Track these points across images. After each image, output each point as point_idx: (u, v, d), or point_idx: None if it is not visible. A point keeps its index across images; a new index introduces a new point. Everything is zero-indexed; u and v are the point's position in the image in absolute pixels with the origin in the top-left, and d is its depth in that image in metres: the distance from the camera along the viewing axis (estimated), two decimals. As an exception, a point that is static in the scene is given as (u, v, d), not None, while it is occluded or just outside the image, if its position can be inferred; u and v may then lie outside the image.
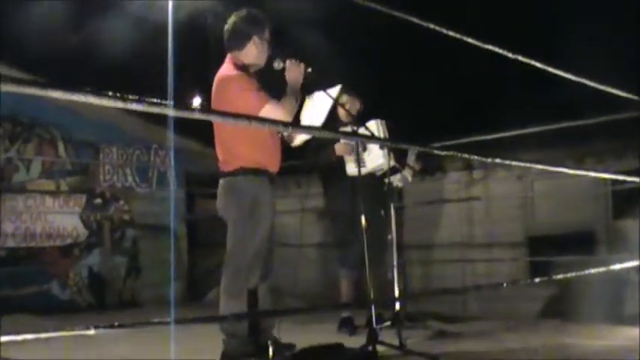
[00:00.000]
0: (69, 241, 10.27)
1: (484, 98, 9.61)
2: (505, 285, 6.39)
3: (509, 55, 3.10)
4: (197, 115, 2.14)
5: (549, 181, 8.76)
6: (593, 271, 4.04)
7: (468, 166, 9.53)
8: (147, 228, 11.05)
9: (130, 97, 1.79)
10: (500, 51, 3.06)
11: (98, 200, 10.67)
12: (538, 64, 3.41)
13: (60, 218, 10.20)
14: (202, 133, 9.93)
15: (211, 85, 4.76)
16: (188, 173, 11.42)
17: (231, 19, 4.79)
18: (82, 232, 10.43)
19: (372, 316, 5.00)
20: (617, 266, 4.22)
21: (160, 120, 10.54)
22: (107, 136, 10.83)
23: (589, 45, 7.72)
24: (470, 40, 2.94)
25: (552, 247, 8.23)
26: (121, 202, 10.93)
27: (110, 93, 1.76)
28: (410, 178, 6.67)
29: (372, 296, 5.02)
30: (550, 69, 3.48)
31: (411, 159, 6.59)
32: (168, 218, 11.25)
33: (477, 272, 9.16)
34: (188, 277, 11.41)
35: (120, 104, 1.78)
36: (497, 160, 3.30)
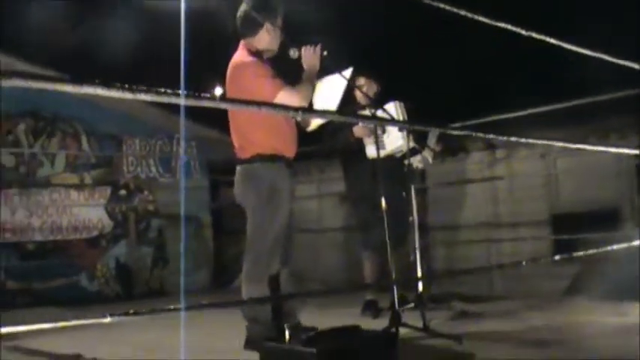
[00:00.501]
0: (95, 233, 10.37)
1: (502, 77, 9.52)
2: (525, 263, 6.35)
3: (523, 32, 3.08)
4: (211, 104, 2.15)
5: (572, 159, 8.69)
6: (615, 247, 4.00)
7: (491, 146, 9.48)
8: (172, 217, 11.12)
9: (139, 87, 1.81)
10: (514, 28, 3.04)
11: (122, 192, 10.75)
12: (553, 41, 3.39)
13: (85, 211, 10.30)
14: (223, 121, 10.03)
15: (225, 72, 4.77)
16: (210, 161, 11.46)
17: (243, 6, 4.79)
18: (108, 223, 10.53)
19: (394, 298, 5.01)
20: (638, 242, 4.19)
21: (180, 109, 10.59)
22: (129, 128, 10.90)
23: (606, 19, 7.65)
24: (483, 19, 2.92)
25: (577, 225, 8.17)
26: (146, 193, 11.00)
27: (119, 84, 1.78)
28: (430, 160, 6.64)
29: (394, 278, 5.03)
30: (566, 45, 3.45)
31: (431, 141, 6.57)
32: (192, 207, 11.33)
33: (501, 252, 9.13)
34: (214, 264, 11.48)
35: (128, 95, 1.79)
36: (516, 139, 3.29)
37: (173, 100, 1.93)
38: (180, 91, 1.94)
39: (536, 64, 8.93)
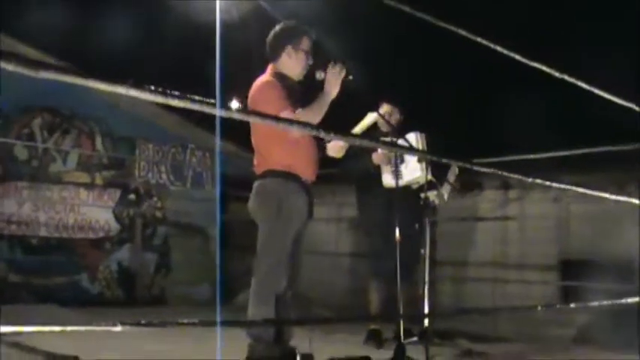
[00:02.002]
0: (101, 234, 10.32)
1: (524, 117, 9.48)
2: (540, 308, 6.25)
3: (556, 74, 3.03)
4: (236, 115, 2.11)
5: (586, 205, 8.59)
6: (630, 300, 3.93)
7: (504, 185, 9.41)
8: (178, 226, 11.07)
9: (172, 92, 1.77)
10: (546, 69, 2.99)
11: (132, 196, 10.72)
12: (583, 84, 3.34)
13: (93, 211, 10.26)
14: (237, 134, 10.01)
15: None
16: (222, 175, 11.43)
17: (272, 31, 4.89)
18: (114, 226, 10.48)
19: (400, 330, 4.94)
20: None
21: (198, 120, 10.59)
22: (145, 132, 10.87)
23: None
24: (519, 57, 2.87)
25: (585, 272, 8.09)
26: (155, 199, 10.96)
27: (152, 87, 1.73)
28: (446, 197, 6.57)
29: (401, 310, 4.96)
30: (595, 90, 3.40)
31: (451, 176, 6.50)
32: (200, 218, 11.26)
33: (508, 293, 9.03)
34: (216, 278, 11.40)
35: (160, 99, 1.75)
36: (540, 181, 3.23)
37: (207, 109, 1.89)
38: (215, 101, 1.90)
39: (558, 107, 8.90)
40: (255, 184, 4.77)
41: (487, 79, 9.31)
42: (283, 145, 4.68)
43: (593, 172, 8.16)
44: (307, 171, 4.75)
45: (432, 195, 6.38)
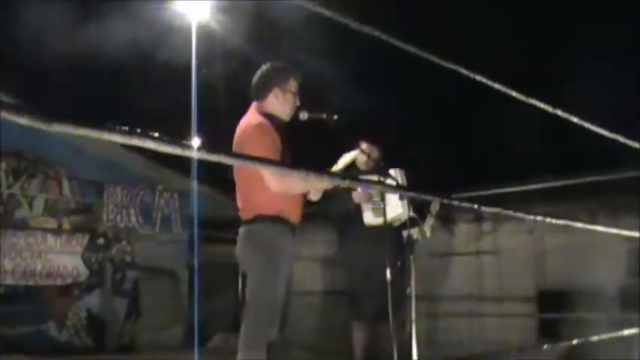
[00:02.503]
0: (69, 280, 10.09)
1: (494, 149, 9.50)
2: (516, 350, 6.18)
3: (550, 109, 2.97)
4: (223, 159, 1.98)
5: (561, 235, 8.58)
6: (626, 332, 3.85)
7: (477, 218, 9.39)
8: (148, 270, 10.88)
9: (154, 134, 1.66)
10: (543, 105, 2.93)
11: (100, 240, 10.52)
12: (559, 112, 3.28)
13: (61, 257, 10.04)
14: (209, 176, 9.96)
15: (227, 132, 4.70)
16: (191, 216, 11.27)
17: (258, 70, 4.79)
18: (83, 271, 10.26)
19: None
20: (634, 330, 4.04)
21: (166, 161, 10.48)
22: (112, 175, 10.70)
23: (605, 95, 7.64)
24: (516, 93, 2.80)
25: (564, 303, 8.05)
26: (124, 243, 10.77)
27: (137, 130, 1.63)
28: (429, 234, 6.51)
29: (394, 353, 4.84)
30: (565, 115, 3.34)
31: (432, 212, 6.45)
32: (170, 261, 11.08)
33: (485, 326, 8.96)
34: (189, 321, 11.19)
35: (137, 142, 1.64)
36: (522, 215, 3.15)
37: (184, 152, 1.77)
38: (192, 143, 1.78)
39: (528, 137, 8.93)
40: (244, 229, 4.59)
41: (458, 111, 9.35)
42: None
43: (565, 201, 8.17)
44: (295, 214, 4.64)
45: (414, 232, 6.32)
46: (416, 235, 6.41)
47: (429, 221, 6.41)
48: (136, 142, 1.67)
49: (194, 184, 10.17)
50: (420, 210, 6.33)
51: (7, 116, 1.45)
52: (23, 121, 1.47)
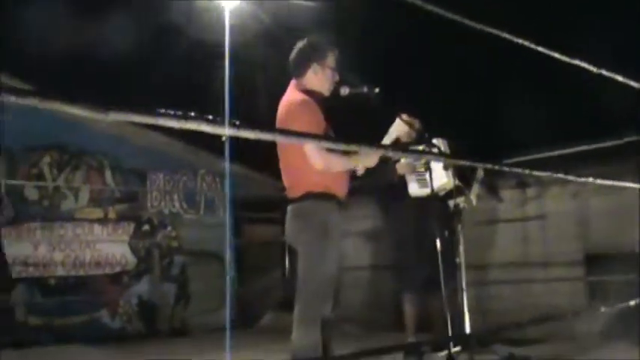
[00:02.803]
0: (118, 269, 10.23)
1: (533, 114, 9.41)
2: (569, 316, 6.15)
3: (564, 57, 2.92)
4: (269, 137, 2.00)
5: (605, 197, 8.50)
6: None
7: (521, 185, 9.31)
8: (195, 254, 10.98)
9: (190, 114, 1.68)
10: (552, 53, 2.88)
11: (146, 227, 10.63)
12: (603, 72, 3.24)
13: (108, 246, 10.17)
14: (247, 157, 10.00)
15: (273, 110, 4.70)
16: (234, 198, 11.34)
17: (295, 47, 4.79)
18: (131, 259, 10.39)
19: (446, 342, 4.84)
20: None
21: (206, 144, 10.53)
22: (154, 162, 10.79)
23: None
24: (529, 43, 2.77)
25: (611, 266, 7.98)
26: (169, 229, 10.88)
27: (171, 112, 1.64)
28: (475, 202, 6.48)
29: (448, 322, 4.84)
30: (609, 75, 3.29)
31: (479, 177, 6.41)
32: (216, 244, 11.16)
33: (534, 292, 8.91)
34: (237, 302, 11.30)
35: (176, 124, 1.65)
36: (572, 177, 3.13)
37: (231, 132, 1.79)
38: (228, 121, 1.80)
39: (567, 101, 8.84)
40: (293, 207, 4.59)
41: (492, 80, 9.27)
42: None
43: (608, 163, 8.08)
44: (342, 190, 4.64)
45: (461, 201, 6.29)
46: (462, 203, 6.38)
47: (475, 189, 6.38)
48: (189, 126, 1.70)
49: (227, 166, 10.19)
50: (464, 178, 6.29)
51: (63, 107, 1.48)
52: (77, 111, 1.49)
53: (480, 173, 6.35)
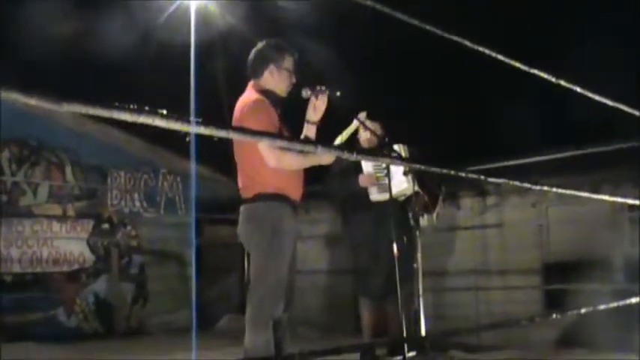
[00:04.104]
0: (76, 266, 10.13)
1: (496, 123, 9.51)
2: (524, 322, 6.19)
3: (553, 79, 2.96)
4: (223, 134, 2.00)
5: (564, 208, 8.61)
6: (621, 303, 3.86)
7: (481, 193, 9.40)
8: (154, 254, 10.92)
9: (145, 109, 1.67)
10: (546, 75, 2.92)
11: (105, 225, 10.55)
12: (562, 82, 3.27)
13: (67, 243, 10.07)
14: (209, 158, 9.97)
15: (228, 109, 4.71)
16: (196, 198, 11.30)
17: (254, 49, 4.81)
18: (89, 257, 10.30)
19: (401, 346, 4.86)
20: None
21: (169, 143, 10.49)
22: (115, 160, 10.71)
23: (608, 64, 7.64)
24: (518, 65, 2.79)
25: (568, 274, 8.08)
26: (129, 228, 10.81)
27: (125, 105, 1.64)
28: (435, 220, 6.53)
29: (404, 327, 4.87)
30: (566, 84, 3.33)
31: (441, 195, 6.49)
32: (176, 244, 11.12)
33: (491, 299, 8.99)
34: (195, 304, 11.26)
35: (129, 117, 1.65)
36: (528, 185, 3.16)
37: (185, 127, 1.79)
38: (191, 118, 1.80)
39: (529, 111, 8.94)
40: (245, 208, 4.59)
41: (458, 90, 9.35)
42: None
43: (567, 174, 8.18)
44: (297, 192, 4.65)
45: (423, 221, 6.32)
46: (425, 222, 6.40)
47: (438, 208, 6.44)
48: (143, 119, 1.69)
49: (193, 167, 10.17)
50: (433, 196, 6.34)
51: (18, 98, 1.47)
52: (32, 101, 1.48)
53: (442, 189, 6.42)
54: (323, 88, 4.57)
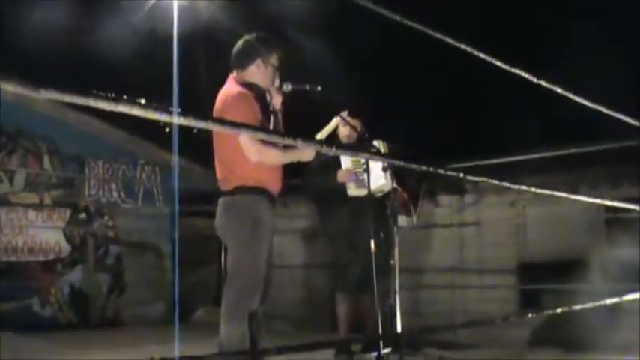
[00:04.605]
0: (51, 256, 10.06)
1: (476, 122, 9.55)
2: (498, 321, 6.23)
3: (534, 79, 2.96)
4: (202, 125, 1.99)
5: (542, 208, 8.65)
6: (598, 304, 3.89)
7: (459, 191, 9.42)
8: (131, 245, 10.87)
9: (123, 97, 1.66)
10: (526, 75, 2.92)
11: (82, 215, 10.48)
12: (542, 82, 3.28)
13: (43, 232, 10.00)
14: (188, 149, 9.94)
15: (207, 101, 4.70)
16: (173, 190, 11.25)
17: (240, 40, 4.76)
18: (65, 247, 10.23)
19: (376, 342, 4.86)
20: (615, 299, 4.08)
21: (147, 134, 10.45)
22: (93, 150, 10.64)
23: (589, 65, 7.68)
24: (498, 62, 2.80)
25: (544, 274, 8.13)
26: (106, 218, 10.75)
27: (103, 94, 1.63)
28: (415, 221, 6.56)
29: (379, 323, 4.88)
30: (548, 85, 3.34)
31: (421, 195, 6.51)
32: (153, 235, 11.08)
33: (467, 297, 9.03)
34: (172, 295, 11.22)
35: (107, 106, 1.64)
36: (507, 184, 3.17)
37: (165, 117, 1.77)
38: (172, 109, 1.79)
39: (510, 109, 8.98)
40: (224, 200, 4.57)
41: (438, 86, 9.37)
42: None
43: (545, 174, 8.23)
44: (276, 185, 4.64)
45: (402, 220, 6.32)
46: (404, 222, 6.42)
47: (418, 209, 6.47)
48: (121, 108, 1.68)
49: (176, 158, 10.11)
50: (414, 197, 6.36)
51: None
52: (10, 87, 1.47)
53: (424, 187, 6.44)
54: (307, 86, 4.59)
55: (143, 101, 1.71)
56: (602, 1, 8.41)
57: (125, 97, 1.68)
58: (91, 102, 1.63)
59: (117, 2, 8.70)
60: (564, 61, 7.73)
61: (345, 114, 5.12)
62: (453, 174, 3.03)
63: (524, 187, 3.48)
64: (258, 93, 4.62)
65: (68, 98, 1.61)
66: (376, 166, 5.82)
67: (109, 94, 1.65)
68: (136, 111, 1.70)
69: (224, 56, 4.88)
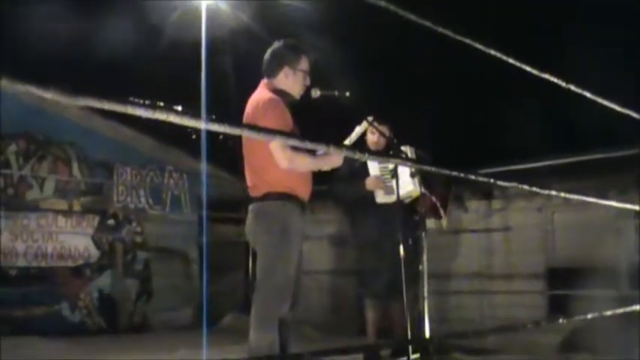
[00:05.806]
0: (80, 261, 10.13)
1: (503, 127, 9.50)
2: (530, 326, 6.17)
3: (563, 84, 2.94)
4: (233, 130, 2.00)
5: (570, 213, 8.60)
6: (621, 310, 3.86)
7: (487, 196, 9.39)
8: (159, 251, 10.92)
9: (159, 105, 1.68)
10: (555, 79, 2.91)
11: (111, 221, 10.54)
12: (572, 87, 3.26)
13: (72, 238, 10.07)
14: (216, 156, 9.98)
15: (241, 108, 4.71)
16: (200, 196, 11.30)
17: (270, 48, 4.79)
18: (94, 253, 10.29)
19: (405, 348, 4.85)
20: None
21: (175, 141, 10.51)
22: (122, 156, 10.71)
23: (617, 69, 7.63)
24: (528, 67, 2.78)
25: (573, 280, 8.06)
26: (134, 224, 10.80)
27: (140, 101, 1.64)
28: (445, 226, 6.56)
29: (409, 329, 4.86)
30: (578, 90, 3.32)
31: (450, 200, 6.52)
32: (180, 241, 11.12)
33: (495, 303, 8.99)
34: (199, 301, 11.25)
35: (144, 113, 1.65)
36: (537, 189, 3.16)
37: (198, 124, 1.79)
38: (202, 115, 1.80)
39: (539, 115, 8.93)
40: (254, 207, 4.60)
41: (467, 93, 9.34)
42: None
43: (574, 179, 8.16)
44: (305, 191, 4.65)
45: (432, 223, 6.33)
46: (434, 225, 6.42)
47: (447, 212, 6.46)
48: (157, 115, 1.69)
49: (204, 165, 10.15)
50: (444, 203, 6.36)
51: (34, 91, 1.47)
52: (48, 95, 1.49)
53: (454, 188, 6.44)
54: (336, 92, 4.60)
55: (179, 108, 1.73)
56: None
57: (161, 104, 1.70)
58: (129, 110, 1.65)
59: (144, 8, 8.74)
60: (590, 64, 7.67)
61: (371, 119, 5.11)
62: (484, 179, 3.03)
63: (553, 192, 3.47)
64: (288, 101, 4.63)
65: (106, 106, 1.63)
66: (404, 172, 5.81)
67: (145, 102, 1.67)
68: (172, 118, 1.71)
69: (251, 62, 4.91)
